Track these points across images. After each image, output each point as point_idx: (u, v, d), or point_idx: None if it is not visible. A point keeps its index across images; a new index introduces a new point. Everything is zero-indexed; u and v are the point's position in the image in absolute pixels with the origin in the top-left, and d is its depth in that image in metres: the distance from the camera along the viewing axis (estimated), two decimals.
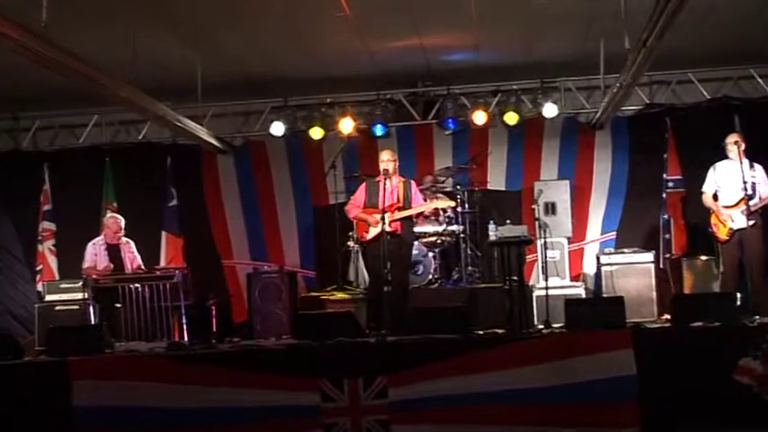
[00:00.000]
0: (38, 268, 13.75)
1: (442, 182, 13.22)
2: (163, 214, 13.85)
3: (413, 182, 11.10)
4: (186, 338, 11.05)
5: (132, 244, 11.95)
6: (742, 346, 7.90)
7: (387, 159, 10.70)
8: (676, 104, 13.53)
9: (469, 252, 12.74)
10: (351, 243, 12.52)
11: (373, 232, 10.49)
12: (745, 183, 10.30)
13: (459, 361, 8.13)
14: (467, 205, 12.85)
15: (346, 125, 13.56)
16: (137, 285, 11.22)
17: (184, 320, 11.31)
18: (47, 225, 13.86)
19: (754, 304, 9.98)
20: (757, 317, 8.96)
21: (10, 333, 11.25)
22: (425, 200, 11.23)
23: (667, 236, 12.98)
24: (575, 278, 12.96)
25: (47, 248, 13.78)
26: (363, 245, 10.96)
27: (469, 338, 8.51)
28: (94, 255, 11.69)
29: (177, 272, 11.45)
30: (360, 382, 8.10)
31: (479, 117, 13.44)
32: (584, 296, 12.21)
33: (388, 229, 10.26)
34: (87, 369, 8.31)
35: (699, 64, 13.11)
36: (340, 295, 12.40)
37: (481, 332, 9.30)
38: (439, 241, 12.53)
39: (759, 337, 7.90)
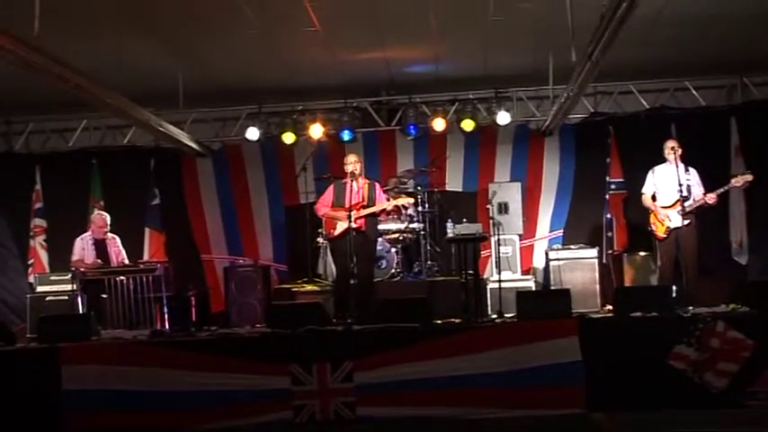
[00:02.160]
0: (30, 262, 13.61)
1: (405, 183, 13.18)
2: (146, 212, 13.71)
3: (377, 183, 11.12)
4: (167, 327, 11.03)
5: (118, 239, 11.90)
6: (677, 334, 8.01)
7: (352, 162, 10.73)
8: (618, 113, 13.56)
9: (429, 248, 12.71)
10: (320, 239, 12.50)
11: (340, 229, 10.48)
12: (680, 185, 10.32)
13: (419, 348, 8.16)
14: (427, 205, 12.80)
15: (316, 131, 13.53)
16: (122, 278, 11.22)
17: (166, 310, 11.30)
18: (38, 222, 13.71)
19: (688, 296, 10.01)
20: (691, 307, 8.97)
21: (2, 321, 11.14)
22: (388, 200, 11.21)
23: (610, 234, 13.02)
24: (525, 272, 13.00)
25: (38, 244, 13.63)
26: (331, 241, 10.94)
27: (429, 327, 8.50)
28: (82, 249, 11.67)
29: (159, 265, 11.39)
30: (328, 366, 8.10)
31: (438, 124, 13.45)
32: (534, 289, 12.28)
33: (354, 225, 10.26)
34: (76, 355, 8.28)
35: (639, 76, 13.17)
36: (310, 287, 12.37)
37: (439, 321, 9.29)
38: (401, 238, 12.52)
39: (692, 326, 8.02)
